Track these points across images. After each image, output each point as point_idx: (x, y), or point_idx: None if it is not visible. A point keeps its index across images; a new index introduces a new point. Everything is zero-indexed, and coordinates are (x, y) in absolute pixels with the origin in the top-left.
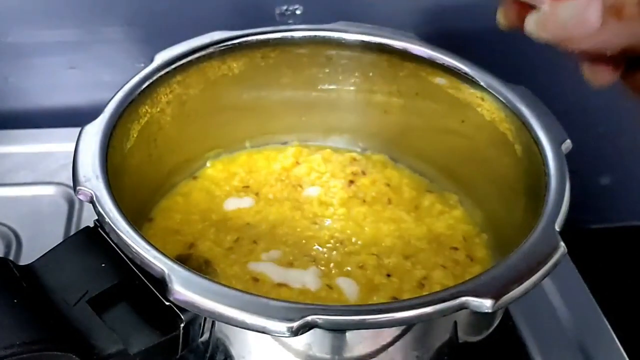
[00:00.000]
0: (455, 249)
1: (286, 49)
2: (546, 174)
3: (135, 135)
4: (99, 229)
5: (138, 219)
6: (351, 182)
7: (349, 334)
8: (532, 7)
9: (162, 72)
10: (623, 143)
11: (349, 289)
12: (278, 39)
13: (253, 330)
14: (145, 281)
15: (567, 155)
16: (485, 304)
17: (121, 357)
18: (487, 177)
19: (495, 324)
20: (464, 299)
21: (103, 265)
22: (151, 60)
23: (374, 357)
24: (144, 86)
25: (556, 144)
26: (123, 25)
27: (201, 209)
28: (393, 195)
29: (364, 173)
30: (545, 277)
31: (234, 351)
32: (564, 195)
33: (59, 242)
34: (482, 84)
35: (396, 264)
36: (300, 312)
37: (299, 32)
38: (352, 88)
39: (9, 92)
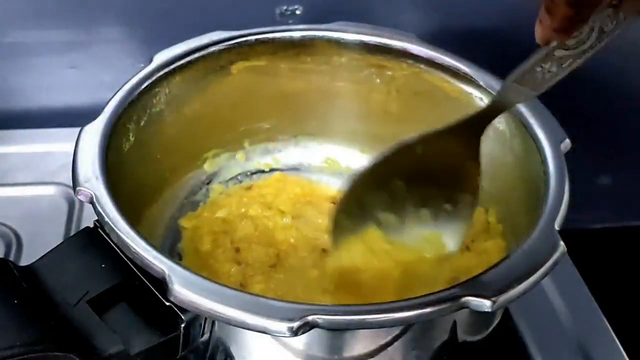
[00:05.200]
0: None
1: (286, 49)
2: (545, 173)
3: (134, 136)
4: (99, 229)
5: (138, 219)
6: None
7: (349, 334)
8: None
9: (162, 72)
10: (623, 143)
11: None
12: (278, 39)
13: (253, 330)
14: (146, 281)
15: (567, 155)
16: (485, 304)
17: (121, 357)
18: (486, 177)
19: (494, 324)
20: (464, 298)
21: (103, 265)
22: (151, 60)
23: (373, 357)
24: (144, 86)
25: (555, 143)
26: (123, 25)
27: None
28: None
29: None
30: (545, 277)
31: (234, 351)
32: (564, 195)
33: (59, 242)
34: (481, 83)
35: None
36: (300, 312)
37: (299, 32)
38: (351, 88)
39: (9, 92)
